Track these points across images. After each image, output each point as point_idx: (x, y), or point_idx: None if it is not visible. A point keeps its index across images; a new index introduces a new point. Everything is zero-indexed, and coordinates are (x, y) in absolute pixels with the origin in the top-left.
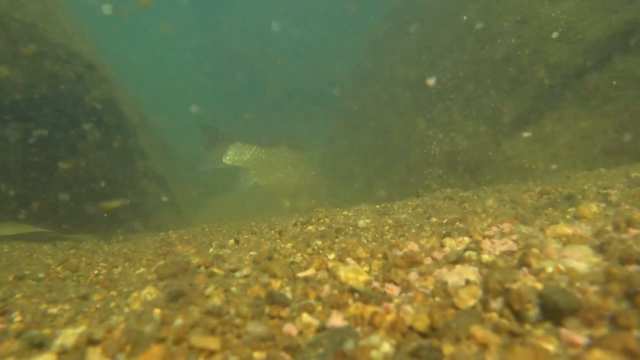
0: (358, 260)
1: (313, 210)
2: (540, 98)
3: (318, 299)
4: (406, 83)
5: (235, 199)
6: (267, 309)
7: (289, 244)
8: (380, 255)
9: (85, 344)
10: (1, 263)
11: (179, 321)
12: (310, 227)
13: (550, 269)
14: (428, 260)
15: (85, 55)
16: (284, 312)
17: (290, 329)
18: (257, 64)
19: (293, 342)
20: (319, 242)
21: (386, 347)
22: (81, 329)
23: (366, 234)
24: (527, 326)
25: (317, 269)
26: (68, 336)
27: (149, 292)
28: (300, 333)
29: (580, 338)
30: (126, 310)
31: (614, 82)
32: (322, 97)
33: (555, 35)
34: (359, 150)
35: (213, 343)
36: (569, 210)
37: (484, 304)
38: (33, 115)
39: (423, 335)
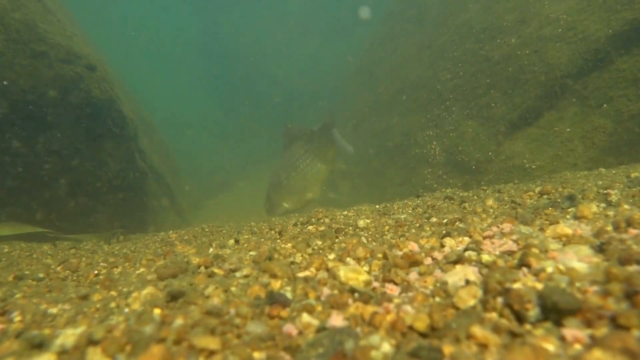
0: (358, 260)
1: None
2: (540, 98)
3: (318, 299)
4: (406, 83)
5: (234, 199)
6: (267, 309)
7: (289, 244)
8: (380, 255)
9: (85, 344)
10: (1, 263)
11: (179, 321)
12: (310, 227)
13: (550, 269)
14: (428, 260)
15: (85, 55)
16: (284, 312)
17: (290, 329)
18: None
19: (293, 342)
20: (319, 242)
21: (386, 347)
22: (81, 329)
23: (366, 234)
24: (527, 326)
25: (317, 269)
26: (68, 336)
27: (149, 292)
28: (300, 333)
29: (584, 336)
30: (126, 310)
31: (614, 82)
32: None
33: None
34: (359, 150)
35: (213, 343)
36: (569, 210)
37: (484, 304)
38: (33, 116)
39: (423, 335)
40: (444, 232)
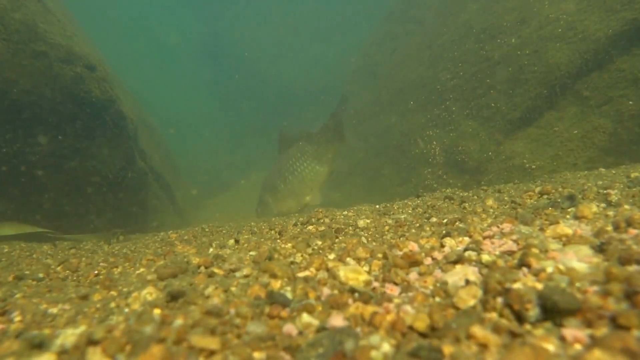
0: (358, 260)
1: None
2: (540, 98)
3: (318, 299)
4: (406, 83)
5: (234, 199)
6: (267, 309)
7: (289, 244)
8: (380, 255)
9: (85, 344)
10: (1, 263)
11: (178, 321)
12: (310, 227)
13: (550, 269)
14: (428, 260)
15: (85, 55)
16: (284, 312)
17: (290, 329)
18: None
19: (293, 342)
20: (319, 242)
21: (386, 347)
22: (81, 329)
23: (366, 234)
24: (527, 326)
25: (317, 269)
26: (68, 336)
27: (149, 292)
28: (300, 333)
29: (584, 336)
30: (126, 310)
31: (614, 82)
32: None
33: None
34: (359, 150)
35: (213, 343)
36: (569, 210)
37: (484, 304)
38: (33, 116)
39: (423, 335)
40: (444, 232)
